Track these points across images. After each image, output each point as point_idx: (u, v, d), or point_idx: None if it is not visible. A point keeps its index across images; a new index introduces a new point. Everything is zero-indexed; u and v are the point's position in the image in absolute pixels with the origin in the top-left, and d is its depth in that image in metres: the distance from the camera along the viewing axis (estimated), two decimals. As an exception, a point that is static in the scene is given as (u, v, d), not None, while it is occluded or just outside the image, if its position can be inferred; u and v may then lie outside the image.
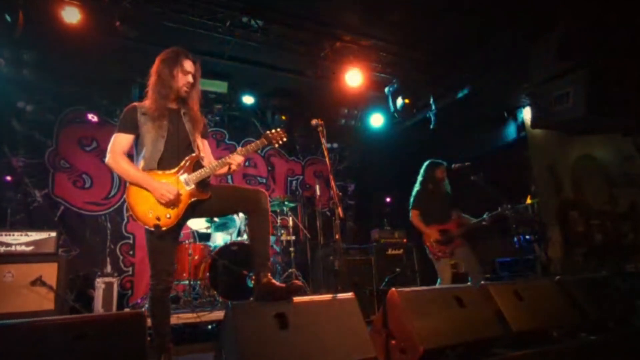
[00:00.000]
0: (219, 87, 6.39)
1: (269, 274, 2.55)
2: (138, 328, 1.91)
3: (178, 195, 2.51)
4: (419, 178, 4.84)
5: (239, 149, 2.78)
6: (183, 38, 5.24)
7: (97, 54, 5.26)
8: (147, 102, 2.65)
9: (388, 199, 7.97)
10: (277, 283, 2.50)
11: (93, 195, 6.33)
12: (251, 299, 4.78)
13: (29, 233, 4.44)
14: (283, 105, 7.37)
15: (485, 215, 4.56)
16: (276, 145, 2.83)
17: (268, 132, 2.82)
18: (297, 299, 2.43)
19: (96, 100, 6.23)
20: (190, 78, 2.66)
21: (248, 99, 6.93)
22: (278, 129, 2.84)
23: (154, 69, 2.69)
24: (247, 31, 5.17)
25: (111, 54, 5.36)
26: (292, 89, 7.07)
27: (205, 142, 2.87)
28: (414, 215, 4.69)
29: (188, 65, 2.66)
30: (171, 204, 2.50)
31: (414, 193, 4.81)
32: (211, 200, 2.65)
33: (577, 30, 4.01)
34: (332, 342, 2.28)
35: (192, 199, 2.58)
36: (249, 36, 5.23)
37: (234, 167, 2.70)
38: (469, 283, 4.44)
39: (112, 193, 6.46)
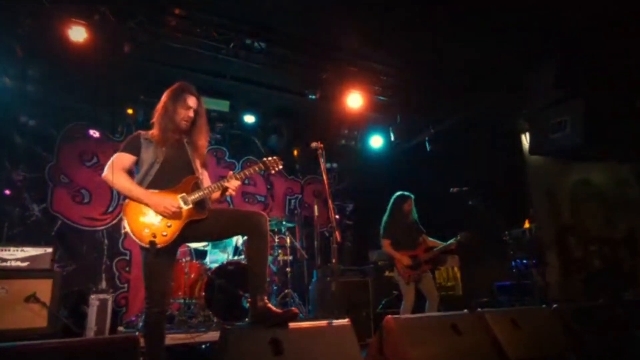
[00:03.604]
0: (221, 105, 6.45)
1: (266, 298, 2.55)
2: (131, 352, 1.90)
3: (179, 208, 2.55)
4: (388, 209, 5.19)
5: (232, 174, 2.82)
6: (187, 58, 5.34)
7: (102, 71, 5.32)
8: (153, 132, 2.74)
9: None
10: (274, 308, 2.49)
11: (91, 210, 6.32)
12: (246, 319, 4.74)
13: (25, 248, 4.43)
14: (284, 124, 7.44)
15: (451, 240, 4.95)
16: (272, 172, 2.92)
17: (265, 159, 2.92)
18: (292, 324, 2.42)
19: (99, 116, 6.28)
20: (191, 113, 2.76)
21: (249, 118, 7.00)
22: (275, 157, 2.95)
23: (160, 103, 2.79)
24: (250, 53, 5.25)
25: (115, 72, 5.43)
26: (293, 109, 7.14)
27: (205, 172, 2.93)
28: (385, 244, 5.03)
29: (191, 101, 2.76)
30: (174, 217, 2.53)
31: (383, 223, 5.14)
32: (210, 222, 2.67)
33: (575, 60, 4.08)
34: (326, 369, 2.26)
35: (189, 219, 2.60)
36: (252, 57, 5.31)
37: (231, 190, 2.77)
38: (427, 306, 4.81)
39: (111, 209, 6.45)
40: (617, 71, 4.34)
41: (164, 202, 2.51)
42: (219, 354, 2.26)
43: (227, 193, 2.79)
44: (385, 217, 5.16)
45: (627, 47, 4.34)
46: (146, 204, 2.52)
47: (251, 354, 2.16)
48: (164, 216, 2.52)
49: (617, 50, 4.33)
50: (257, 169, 2.87)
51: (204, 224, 2.65)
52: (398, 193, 5.23)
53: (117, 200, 6.48)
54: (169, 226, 2.54)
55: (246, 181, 7.71)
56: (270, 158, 2.92)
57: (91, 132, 6.35)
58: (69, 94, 5.86)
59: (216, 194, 2.81)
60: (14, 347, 1.66)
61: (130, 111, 6.17)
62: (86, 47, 4.49)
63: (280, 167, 2.92)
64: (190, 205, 2.61)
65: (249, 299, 2.55)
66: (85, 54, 4.63)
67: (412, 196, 5.19)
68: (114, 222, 6.43)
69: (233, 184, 2.75)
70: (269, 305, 2.51)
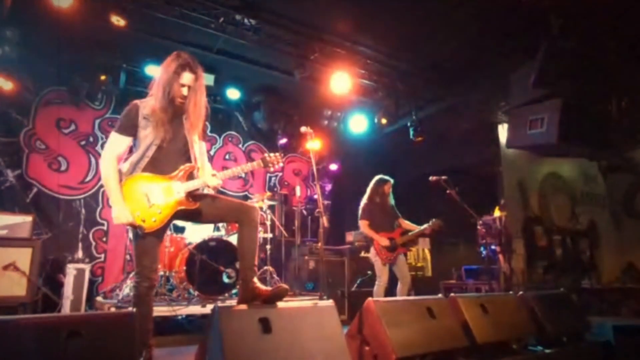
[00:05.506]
0: (206, 79, 6.30)
1: (254, 278, 2.66)
2: (129, 327, 1.98)
3: (128, 224, 2.57)
4: (368, 191, 5.24)
5: (216, 172, 2.81)
6: (173, 30, 5.23)
7: (85, 37, 5.16)
8: (151, 102, 2.65)
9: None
10: (263, 287, 2.60)
11: (68, 178, 6.21)
12: (226, 294, 4.86)
13: (3, 216, 4.37)
14: (267, 102, 7.41)
15: (425, 225, 5.07)
16: (271, 169, 2.92)
17: (267, 155, 2.87)
18: (280, 304, 2.54)
19: (78, 82, 6.09)
20: (184, 91, 2.64)
21: (234, 94, 6.93)
22: (276, 154, 2.88)
23: (156, 78, 2.71)
24: (240, 29, 5.18)
25: (99, 39, 5.27)
26: (278, 87, 7.12)
27: (203, 144, 2.90)
28: (364, 225, 5.09)
29: (186, 78, 2.62)
30: (163, 206, 2.57)
31: (361, 205, 5.21)
32: (203, 209, 2.71)
33: (556, 61, 4.24)
34: (311, 347, 2.40)
35: (180, 207, 2.65)
36: (241, 34, 5.25)
37: (210, 188, 2.79)
38: (398, 287, 4.97)
39: (88, 178, 6.36)
40: (593, 74, 4.54)
41: (120, 213, 2.52)
42: (209, 332, 2.36)
43: (206, 189, 2.80)
44: (363, 200, 5.22)
45: (605, 52, 4.54)
46: (111, 202, 2.57)
47: (241, 332, 2.27)
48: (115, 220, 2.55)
49: (595, 53, 4.53)
50: (255, 165, 2.84)
51: (196, 210, 2.69)
52: (378, 176, 5.28)
53: (95, 169, 6.38)
54: (159, 212, 2.58)
55: (227, 156, 7.72)
56: (272, 155, 2.86)
57: (70, 97, 6.17)
58: (48, 58, 5.65)
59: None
60: (17, 320, 1.71)
61: (103, 77, 5.95)
62: (71, 12, 4.33)
63: (281, 164, 2.87)
64: (182, 195, 2.64)
65: (240, 282, 2.63)
66: (70, 19, 4.47)
67: (392, 180, 5.25)
68: (92, 191, 6.35)
69: (212, 182, 2.71)
70: (257, 285, 2.63)
